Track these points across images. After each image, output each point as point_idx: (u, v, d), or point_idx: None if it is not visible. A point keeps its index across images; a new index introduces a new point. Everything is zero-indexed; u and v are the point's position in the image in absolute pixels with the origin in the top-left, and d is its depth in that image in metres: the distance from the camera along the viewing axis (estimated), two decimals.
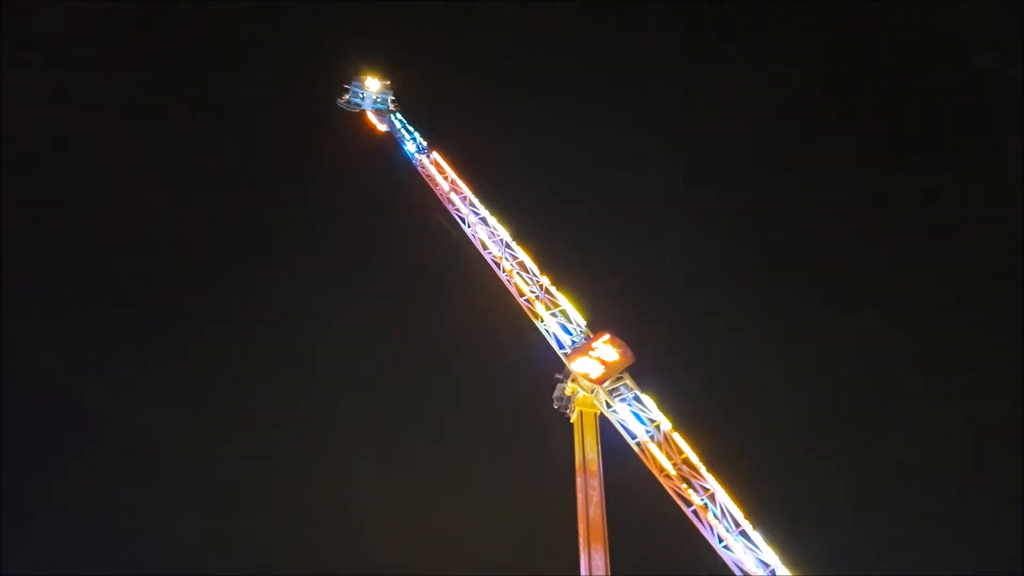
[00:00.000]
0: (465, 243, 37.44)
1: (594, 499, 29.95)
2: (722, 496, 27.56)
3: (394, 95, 47.70)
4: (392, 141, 45.40)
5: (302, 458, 50.30)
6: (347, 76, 47.10)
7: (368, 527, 46.34)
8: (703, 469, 28.22)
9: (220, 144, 61.93)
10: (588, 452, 31.05)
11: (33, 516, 47.34)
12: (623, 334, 32.13)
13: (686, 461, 28.57)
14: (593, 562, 27.25)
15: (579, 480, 30.84)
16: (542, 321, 33.42)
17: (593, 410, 31.28)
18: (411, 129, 44.68)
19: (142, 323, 56.16)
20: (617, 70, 64.84)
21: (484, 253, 36.83)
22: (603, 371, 30.78)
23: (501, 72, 64.84)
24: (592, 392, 30.99)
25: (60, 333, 53.37)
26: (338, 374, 53.31)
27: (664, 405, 29.97)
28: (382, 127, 46.71)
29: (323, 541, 48.06)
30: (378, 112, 47.44)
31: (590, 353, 31.32)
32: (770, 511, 27.69)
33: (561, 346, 32.61)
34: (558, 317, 33.55)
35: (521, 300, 34.59)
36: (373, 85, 47.60)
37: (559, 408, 32.85)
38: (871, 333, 49.47)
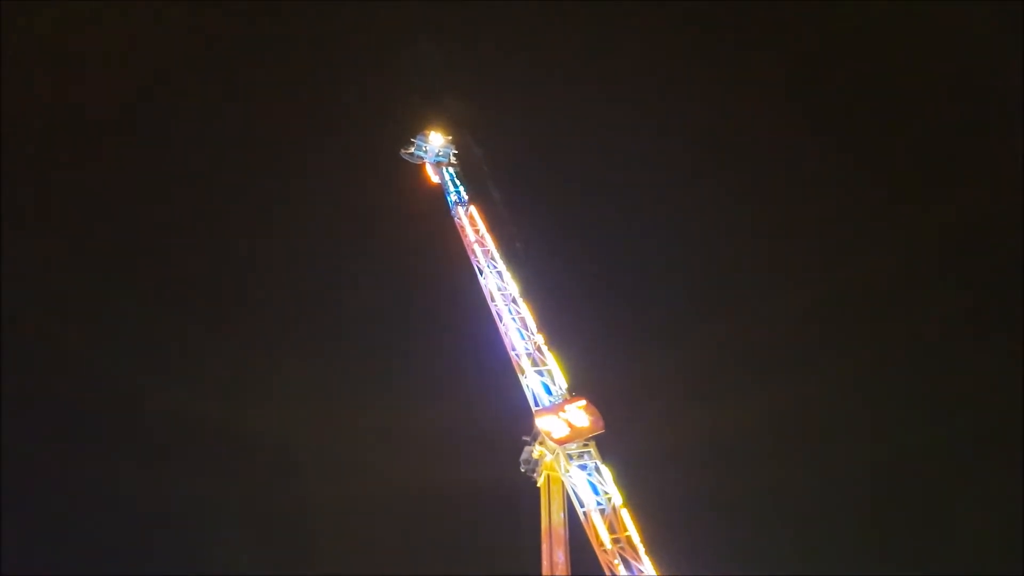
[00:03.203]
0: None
1: (559, 568, 29.36)
2: None
3: (456, 150, 50.10)
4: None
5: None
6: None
7: None
8: (642, 551, 27.24)
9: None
10: (555, 517, 30.62)
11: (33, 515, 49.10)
12: (602, 404, 32.00)
13: (628, 540, 27.69)
14: None
15: (544, 547, 30.41)
16: (525, 376, 33.62)
17: None
18: (457, 183, 46.77)
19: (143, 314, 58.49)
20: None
21: (490, 304, 37.65)
22: (567, 433, 30.55)
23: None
24: (554, 453, 30.70)
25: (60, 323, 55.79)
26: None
27: (621, 479, 29.31)
28: (435, 178, 48.95)
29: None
30: (436, 164, 49.94)
31: (559, 414, 31.26)
32: None
33: (537, 404, 32.64)
34: (543, 376, 33.73)
35: (512, 353, 35.01)
36: (437, 140, 50.26)
37: (526, 471, 32.78)
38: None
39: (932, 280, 53.74)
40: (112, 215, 61.51)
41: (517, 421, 32.89)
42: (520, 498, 32.30)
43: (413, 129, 49.63)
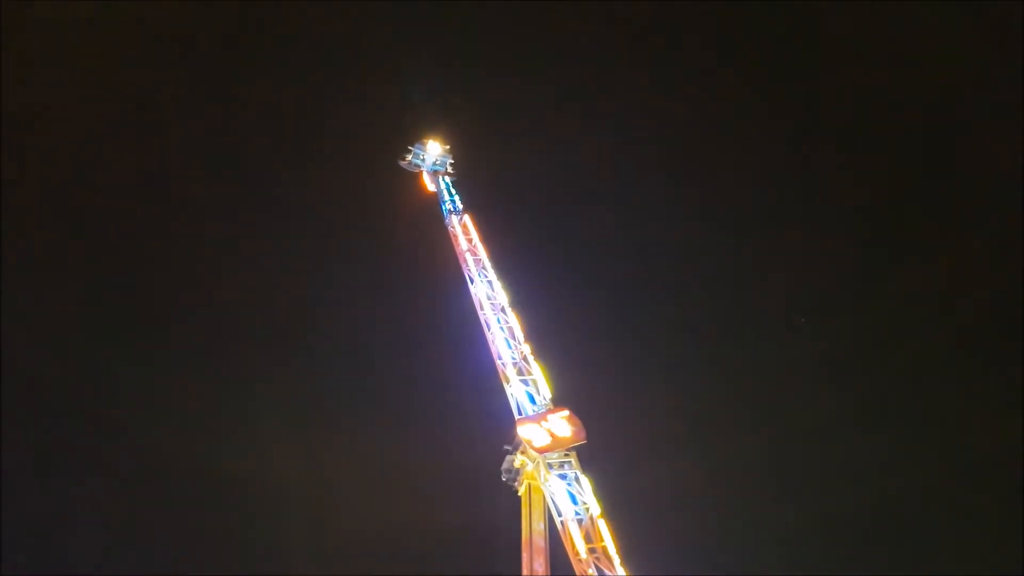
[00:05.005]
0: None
1: None
2: None
3: (453, 159, 50.46)
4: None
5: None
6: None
7: None
8: (617, 561, 27.35)
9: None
10: (535, 527, 30.78)
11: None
12: (585, 415, 32.18)
13: (604, 550, 27.80)
14: None
15: (524, 556, 30.49)
16: (510, 385, 33.86)
17: None
18: (453, 192, 47.18)
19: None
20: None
21: (479, 312, 37.92)
22: (549, 442, 30.76)
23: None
24: (535, 462, 30.89)
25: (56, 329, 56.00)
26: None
27: (599, 490, 29.47)
28: (432, 187, 49.35)
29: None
30: (433, 173, 50.29)
31: (542, 423, 31.47)
32: None
33: (520, 413, 32.86)
34: (528, 385, 33.96)
35: (498, 362, 35.24)
36: (434, 149, 50.64)
37: (507, 481, 32.95)
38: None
39: (933, 309, 53.85)
40: (87, 233, 62.13)
41: (500, 431, 33.13)
42: (499, 509, 32.49)
43: (411, 137, 50.25)
